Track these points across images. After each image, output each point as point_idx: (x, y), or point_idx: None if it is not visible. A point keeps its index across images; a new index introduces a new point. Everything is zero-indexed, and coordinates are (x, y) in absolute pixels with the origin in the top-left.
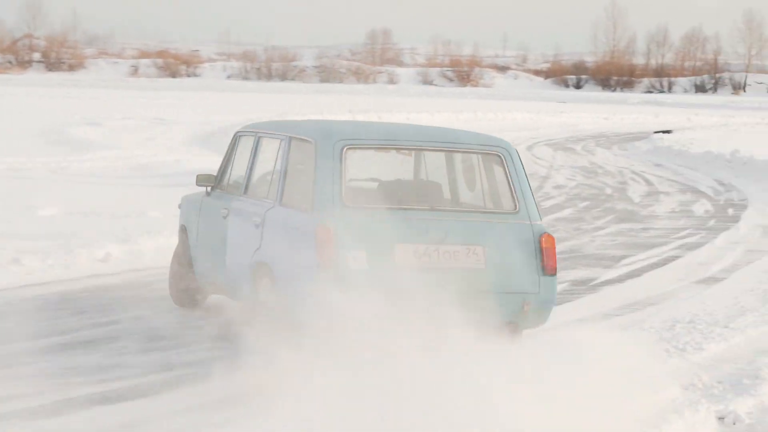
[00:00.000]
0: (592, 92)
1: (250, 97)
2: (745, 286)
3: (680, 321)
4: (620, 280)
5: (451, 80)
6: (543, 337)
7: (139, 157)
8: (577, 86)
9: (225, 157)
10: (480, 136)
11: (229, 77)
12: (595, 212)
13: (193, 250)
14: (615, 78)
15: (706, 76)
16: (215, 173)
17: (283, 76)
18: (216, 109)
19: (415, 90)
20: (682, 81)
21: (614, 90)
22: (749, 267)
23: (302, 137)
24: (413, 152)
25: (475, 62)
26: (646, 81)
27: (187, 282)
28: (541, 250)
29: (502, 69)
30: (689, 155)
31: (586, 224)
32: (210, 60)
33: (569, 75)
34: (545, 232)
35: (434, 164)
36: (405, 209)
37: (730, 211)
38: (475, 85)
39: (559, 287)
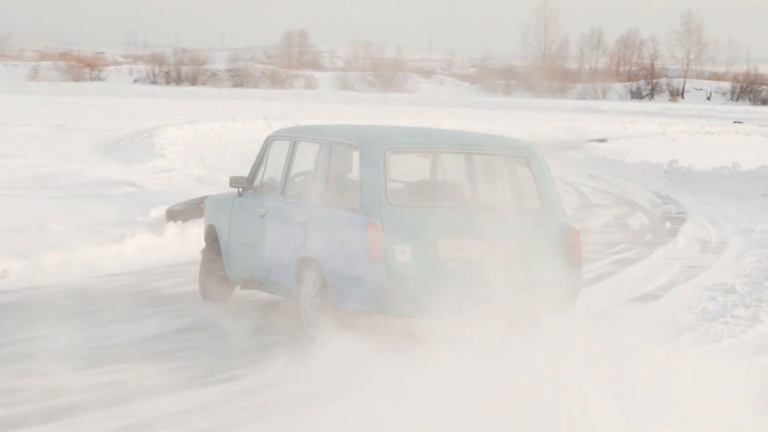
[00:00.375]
0: (522, 98)
1: (158, 102)
2: (684, 304)
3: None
4: None
5: (373, 85)
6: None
7: (40, 167)
8: (507, 92)
9: (257, 160)
10: (507, 140)
11: (136, 81)
12: None
13: (224, 247)
14: (546, 83)
15: (642, 82)
16: (246, 175)
17: (194, 81)
18: (122, 115)
19: (335, 95)
20: (618, 87)
21: (546, 96)
22: (688, 284)
23: (345, 142)
24: (448, 155)
25: (398, 66)
26: (579, 87)
27: (217, 278)
28: (568, 244)
29: (427, 73)
30: (625, 165)
31: None
32: (115, 63)
33: (498, 80)
34: (571, 228)
35: (467, 166)
36: (444, 207)
37: (668, 224)
38: (399, 91)
39: None
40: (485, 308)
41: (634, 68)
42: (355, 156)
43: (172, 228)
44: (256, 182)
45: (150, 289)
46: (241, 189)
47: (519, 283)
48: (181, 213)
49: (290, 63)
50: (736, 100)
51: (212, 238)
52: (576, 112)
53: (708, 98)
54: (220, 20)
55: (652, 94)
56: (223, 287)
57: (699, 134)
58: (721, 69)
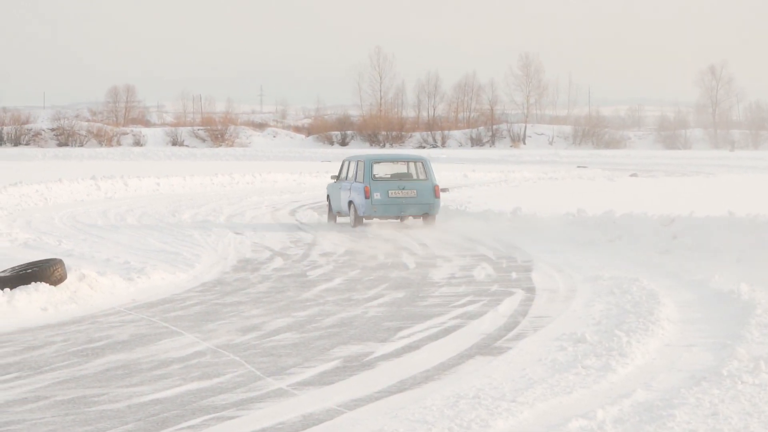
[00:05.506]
0: (359, 149)
1: None
2: (533, 356)
3: (464, 396)
4: (397, 354)
5: (203, 140)
6: None
7: None
8: (343, 143)
9: (339, 168)
10: (414, 155)
11: None
12: (366, 281)
13: (332, 202)
14: (384, 132)
15: (482, 128)
16: (337, 175)
17: (17, 141)
18: None
19: (165, 152)
20: (457, 134)
21: (383, 146)
22: (536, 335)
23: (360, 160)
24: (395, 162)
25: (229, 120)
26: (417, 135)
27: (332, 215)
28: (435, 191)
29: (260, 126)
30: (467, 214)
31: (358, 294)
32: None
33: (333, 131)
34: (436, 184)
35: (401, 166)
36: (392, 179)
37: (514, 274)
38: (231, 145)
39: (331, 365)
40: (406, 214)
41: (473, 114)
42: (362, 164)
43: None
44: (340, 177)
45: None
46: (335, 180)
47: (418, 205)
48: (8, 280)
49: (117, 119)
50: (579, 143)
51: (328, 200)
52: None
53: (550, 143)
54: (41, 77)
55: (492, 141)
56: (333, 218)
57: (542, 180)
58: (562, 112)
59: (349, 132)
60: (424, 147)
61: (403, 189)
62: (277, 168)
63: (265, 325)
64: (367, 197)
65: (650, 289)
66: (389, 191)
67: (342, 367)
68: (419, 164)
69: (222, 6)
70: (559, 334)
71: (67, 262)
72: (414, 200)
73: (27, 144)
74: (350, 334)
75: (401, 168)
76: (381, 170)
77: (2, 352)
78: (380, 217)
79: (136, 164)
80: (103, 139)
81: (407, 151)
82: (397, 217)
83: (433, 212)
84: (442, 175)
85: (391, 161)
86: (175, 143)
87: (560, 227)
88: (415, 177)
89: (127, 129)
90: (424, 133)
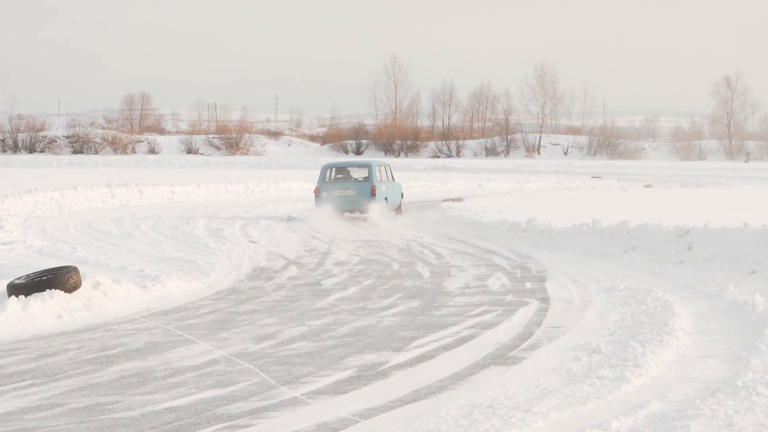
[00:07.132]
0: (374, 158)
1: None
2: (547, 367)
3: (478, 406)
4: (411, 363)
5: (218, 148)
6: None
7: None
8: (358, 152)
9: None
10: (363, 160)
11: None
12: (381, 290)
13: None
14: (398, 142)
15: (497, 138)
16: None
17: (31, 148)
18: None
19: (179, 160)
20: (472, 144)
21: (398, 155)
22: (551, 345)
23: (322, 166)
24: (349, 168)
25: (244, 128)
26: (432, 145)
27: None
28: (372, 190)
29: (275, 135)
30: (482, 224)
31: (373, 303)
32: None
33: (348, 140)
34: (374, 185)
35: (352, 170)
36: (339, 181)
37: (528, 284)
38: (245, 153)
39: (345, 374)
40: (348, 209)
41: (488, 124)
42: (322, 169)
43: (14, 303)
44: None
45: None
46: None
47: (357, 201)
48: (22, 288)
49: (132, 127)
50: (594, 154)
51: None
52: (429, 171)
53: (565, 153)
54: (56, 85)
55: (507, 151)
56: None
57: (557, 190)
58: (577, 123)
59: (364, 141)
60: (438, 156)
61: (346, 189)
62: (291, 176)
63: (280, 334)
64: (316, 195)
65: (665, 300)
66: (334, 190)
67: (356, 376)
68: (365, 169)
69: (238, 15)
70: (574, 344)
71: (81, 269)
72: (354, 197)
73: (42, 151)
74: (365, 343)
75: (352, 172)
76: (335, 174)
77: (17, 360)
78: (330, 211)
79: (150, 172)
80: (118, 146)
81: (424, 160)
82: (346, 211)
83: (371, 210)
84: (456, 184)
85: (343, 166)
86: (189, 151)
87: (575, 237)
88: (359, 179)
89: (142, 137)
90: (439, 142)
